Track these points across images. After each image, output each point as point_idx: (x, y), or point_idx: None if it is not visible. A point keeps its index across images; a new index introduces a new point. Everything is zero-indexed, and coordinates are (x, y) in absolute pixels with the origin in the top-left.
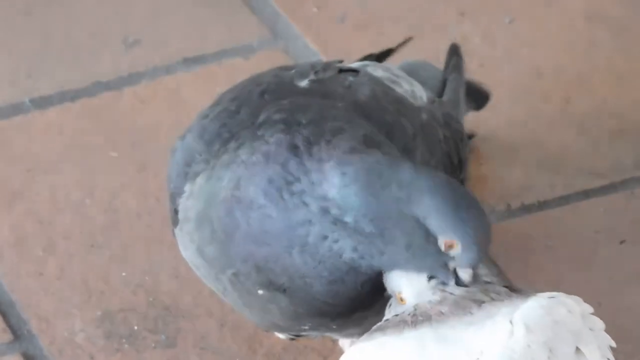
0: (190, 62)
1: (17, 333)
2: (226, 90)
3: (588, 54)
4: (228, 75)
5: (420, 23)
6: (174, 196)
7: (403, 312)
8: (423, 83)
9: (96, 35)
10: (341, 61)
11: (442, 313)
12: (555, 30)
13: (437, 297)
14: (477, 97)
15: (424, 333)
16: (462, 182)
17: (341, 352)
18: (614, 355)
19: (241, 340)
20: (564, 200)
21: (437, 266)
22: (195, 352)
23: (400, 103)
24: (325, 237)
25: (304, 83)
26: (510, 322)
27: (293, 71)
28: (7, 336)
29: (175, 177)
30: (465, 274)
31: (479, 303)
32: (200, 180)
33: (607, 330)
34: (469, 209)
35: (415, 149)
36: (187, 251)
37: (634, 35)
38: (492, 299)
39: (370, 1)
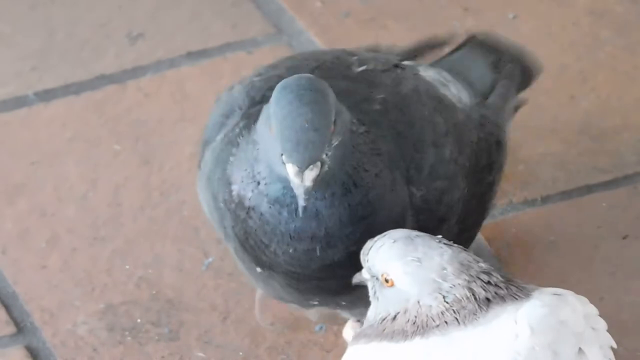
0: (195, 56)
1: (20, 325)
2: (287, 57)
3: (592, 51)
4: (232, 69)
5: (425, 18)
6: (205, 143)
7: (402, 316)
8: (471, 83)
9: (100, 29)
10: (401, 59)
11: (447, 320)
12: (559, 27)
13: (444, 293)
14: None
15: (432, 340)
16: (490, 184)
17: (344, 346)
18: (617, 350)
19: (244, 333)
20: (566, 195)
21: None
22: (198, 345)
23: (440, 102)
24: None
25: (358, 70)
26: (515, 322)
27: (355, 57)
28: (10, 329)
29: (212, 126)
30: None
31: (485, 302)
32: (220, 136)
33: (609, 325)
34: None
35: (444, 145)
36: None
37: (638, 32)
38: (496, 295)
39: None
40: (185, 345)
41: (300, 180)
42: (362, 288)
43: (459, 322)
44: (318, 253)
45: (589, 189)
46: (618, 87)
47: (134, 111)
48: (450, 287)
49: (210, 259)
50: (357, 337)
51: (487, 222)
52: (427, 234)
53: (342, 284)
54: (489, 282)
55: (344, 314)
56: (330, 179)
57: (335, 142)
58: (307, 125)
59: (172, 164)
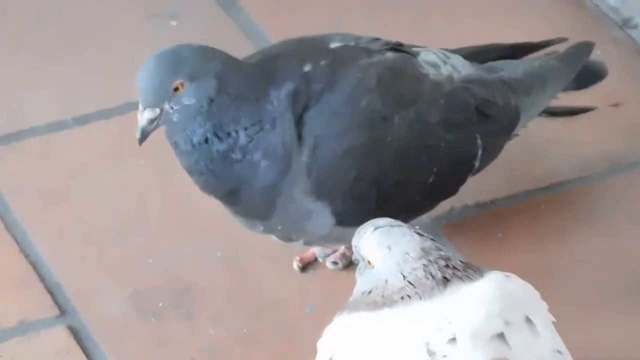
0: None
1: (63, 309)
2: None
3: None
4: None
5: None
6: None
7: (375, 290)
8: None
9: (127, 63)
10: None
11: (409, 294)
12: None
13: (405, 273)
14: (586, 77)
15: (397, 310)
16: (452, 142)
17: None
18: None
19: (247, 312)
20: (511, 198)
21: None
22: (210, 323)
23: (390, 69)
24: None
25: (332, 45)
26: (470, 294)
27: (350, 37)
28: (54, 312)
29: None
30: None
31: (444, 281)
32: None
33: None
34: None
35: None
36: None
37: None
38: (453, 275)
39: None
40: (199, 324)
41: (140, 118)
42: (279, 214)
43: (419, 297)
44: (210, 185)
45: (529, 193)
46: None
47: (155, 132)
48: (411, 268)
49: (218, 253)
50: (342, 309)
51: (448, 222)
52: (406, 225)
53: (254, 210)
54: (446, 265)
55: (297, 243)
56: (189, 127)
57: (186, 102)
58: (146, 74)
59: (187, 176)
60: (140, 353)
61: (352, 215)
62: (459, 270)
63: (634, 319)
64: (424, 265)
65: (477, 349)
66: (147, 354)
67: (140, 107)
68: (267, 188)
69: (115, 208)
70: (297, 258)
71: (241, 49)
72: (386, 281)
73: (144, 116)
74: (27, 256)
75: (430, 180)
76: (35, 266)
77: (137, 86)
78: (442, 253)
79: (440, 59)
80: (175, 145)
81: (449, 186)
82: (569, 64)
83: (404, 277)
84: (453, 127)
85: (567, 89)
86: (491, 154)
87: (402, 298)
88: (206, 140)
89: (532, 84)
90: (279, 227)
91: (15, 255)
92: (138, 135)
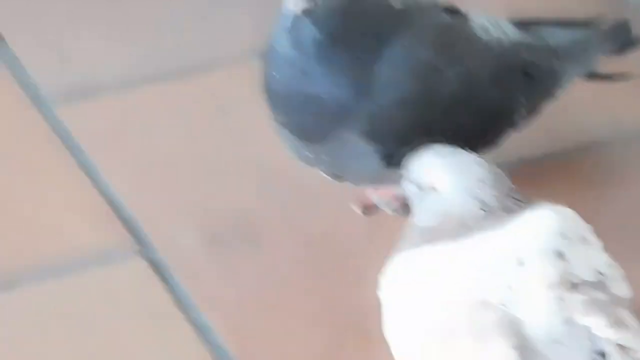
0: None
1: (141, 243)
2: None
3: None
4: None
5: None
6: None
7: (447, 217)
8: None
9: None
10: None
11: (485, 221)
12: None
13: (480, 199)
14: (625, 42)
15: (465, 239)
16: (501, 101)
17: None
18: None
19: (318, 249)
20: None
21: None
22: (280, 257)
23: (451, 28)
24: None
25: (399, 6)
26: (536, 222)
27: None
28: (134, 245)
29: None
30: None
31: (510, 211)
32: None
33: None
34: None
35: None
36: None
37: None
38: (519, 206)
39: None
40: (269, 257)
41: (294, 4)
42: (343, 137)
43: (492, 227)
44: (300, 79)
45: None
46: None
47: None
48: (486, 195)
49: (284, 196)
50: (402, 244)
51: None
52: (466, 151)
53: (312, 124)
54: (514, 198)
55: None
56: (319, 25)
57: None
58: None
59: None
60: (217, 283)
61: (400, 157)
62: (521, 202)
63: None
64: (497, 193)
65: (545, 266)
66: (224, 285)
67: None
68: (328, 112)
69: (183, 155)
70: (358, 203)
71: None
72: (461, 207)
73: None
74: (102, 193)
75: (473, 130)
76: (112, 202)
77: None
78: (509, 182)
79: (491, 23)
80: (292, 39)
81: (490, 137)
82: (611, 37)
83: (480, 203)
84: (500, 84)
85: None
86: (532, 112)
87: (478, 223)
88: (319, 43)
89: (574, 52)
90: (325, 159)
91: (90, 191)
92: (293, 14)
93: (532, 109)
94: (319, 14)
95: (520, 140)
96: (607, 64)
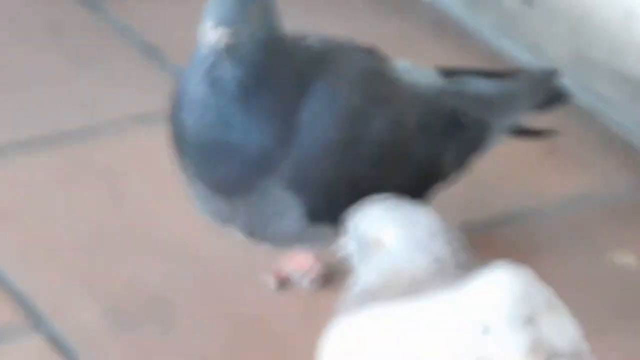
0: None
1: (36, 320)
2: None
3: None
4: None
5: None
6: None
7: (396, 274)
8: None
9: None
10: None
11: (438, 277)
12: None
13: (434, 253)
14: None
15: (419, 299)
16: (428, 144)
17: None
18: None
19: (230, 325)
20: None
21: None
22: (191, 335)
23: (370, 71)
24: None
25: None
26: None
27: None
28: (28, 322)
29: None
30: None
31: (463, 266)
32: None
33: None
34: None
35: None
36: None
37: None
38: (471, 261)
39: None
40: (180, 336)
41: (213, 36)
42: (249, 198)
43: (447, 285)
44: (220, 125)
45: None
46: None
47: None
48: (439, 249)
49: (189, 270)
50: (343, 308)
51: None
52: (411, 202)
53: (231, 176)
54: (464, 250)
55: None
56: (240, 62)
57: (253, 31)
58: None
59: (143, 198)
60: None
61: (326, 211)
62: (474, 259)
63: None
64: (450, 247)
65: (515, 333)
66: None
67: (214, 22)
68: (250, 162)
69: (72, 228)
70: (272, 275)
71: None
72: (412, 262)
73: (221, 33)
74: None
75: (402, 181)
76: (2, 279)
77: (213, 4)
78: (460, 237)
79: (414, 68)
80: (209, 79)
81: (419, 190)
82: (537, 86)
83: (433, 257)
84: (428, 130)
85: (532, 109)
86: (462, 164)
87: (431, 281)
88: (241, 83)
89: (502, 101)
90: (243, 214)
91: None
92: (205, 51)
93: (462, 161)
94: (242, 51)
95: (440, 209)
96: (532, 120)
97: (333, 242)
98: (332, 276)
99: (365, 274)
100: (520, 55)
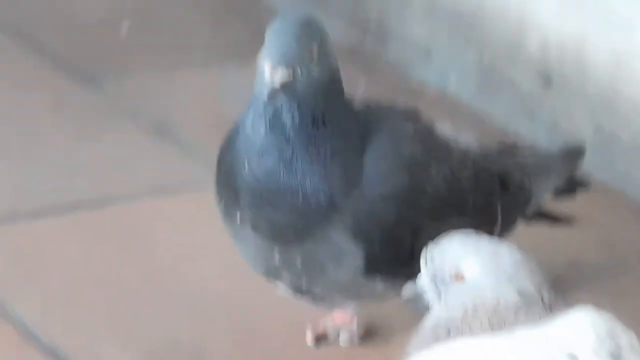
0: None
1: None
2: None
3: None
4: None
5: None
6: None
7: (478, 308)
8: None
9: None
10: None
11: (524, 314)
12: None
13: (519, 289)
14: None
15: (515, 332)
16: (479, 210)
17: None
18: None
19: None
20: None
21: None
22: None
23: (422, 131)
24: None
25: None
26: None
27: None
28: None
29: None
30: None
31: (547, 305)
32: None
33: None
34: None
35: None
36: None
37: None
38: (555, 300)
39: None
40: None
41: (272, 76)
42: (305, 244)
43: (529, 319)
44: (282, 169)
45: None
46: None
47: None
48: (524, 285)
49: (225, 321)
50: (419, 343)
51: None
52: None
53: (291, 222)
54: (547, 287)
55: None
56: (301, 104)
57: (314, 71)
58: (289, 36)
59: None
60: None
61: (382, 262)
62: (557, 296)
63: None
64: (535, 282)
65: None
66: None
67: (273, 62)
68: (312, 208)
69: (105, 287)
70: (311, 330)
71: None
72: (496, 295)
73: (281, 74)
74: (17, 327)
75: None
76: (29, 334)
77: (271, 44)
78: (543, 274)
79: (455, 130)
80: (268, 120)
81: None
82: (566, 159)
83: (519, 291)
84: (479, 189)
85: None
86: (508, 225)
87: (516, 318)
88: (302, 125)
89: (539, 171)
90: (297, 263)
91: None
92: (265, 97)
93: (507, 223)
94: (302, 93)
95: None
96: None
97: (380, 300)
98: (371, 332)
99: (440, 310)
100: (539, 136)
